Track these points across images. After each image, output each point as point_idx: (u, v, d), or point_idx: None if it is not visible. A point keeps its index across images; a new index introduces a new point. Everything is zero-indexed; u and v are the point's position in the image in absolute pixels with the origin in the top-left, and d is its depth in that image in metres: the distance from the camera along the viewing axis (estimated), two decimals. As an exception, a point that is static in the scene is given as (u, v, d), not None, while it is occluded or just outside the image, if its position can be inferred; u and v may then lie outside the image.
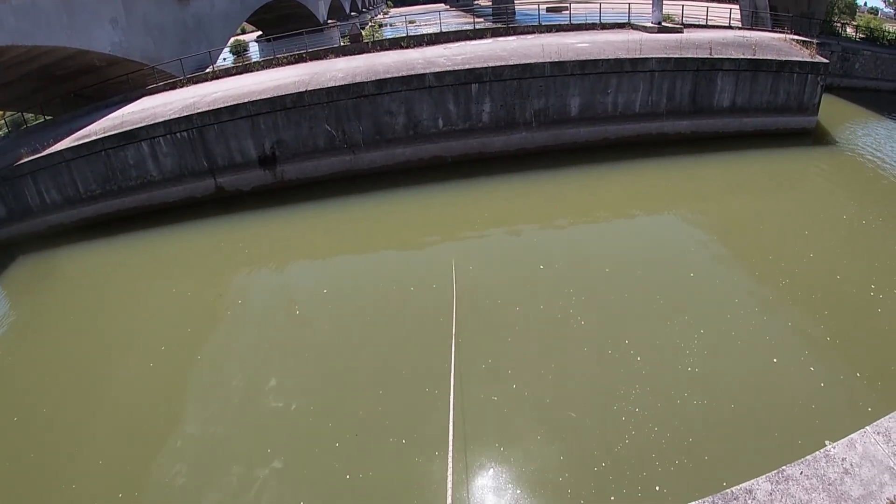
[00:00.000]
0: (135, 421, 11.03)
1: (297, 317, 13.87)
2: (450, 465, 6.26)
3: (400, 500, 8.58)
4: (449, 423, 7.27)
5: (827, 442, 8.45)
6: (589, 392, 10.22)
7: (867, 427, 4.78)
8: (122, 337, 14.36)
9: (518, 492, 8.42)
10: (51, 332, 15.21)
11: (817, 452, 4.56)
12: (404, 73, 20.49)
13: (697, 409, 9.58)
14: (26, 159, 20.52)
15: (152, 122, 20.30)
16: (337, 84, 20.29)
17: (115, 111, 24.50)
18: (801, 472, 4.40)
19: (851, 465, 4.42)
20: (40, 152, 20.68)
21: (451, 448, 6.62)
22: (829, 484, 4.29)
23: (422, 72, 20.49)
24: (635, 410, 9.60)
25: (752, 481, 4.35)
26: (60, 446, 10.73)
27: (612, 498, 8.12)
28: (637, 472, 8.45)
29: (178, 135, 20.31)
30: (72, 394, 12.27)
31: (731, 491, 4.39)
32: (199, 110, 20.32)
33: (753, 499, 4.25)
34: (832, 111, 25.67)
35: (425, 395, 10.43)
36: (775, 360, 10.56)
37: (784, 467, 4.47)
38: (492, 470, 8.82)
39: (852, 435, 4.70)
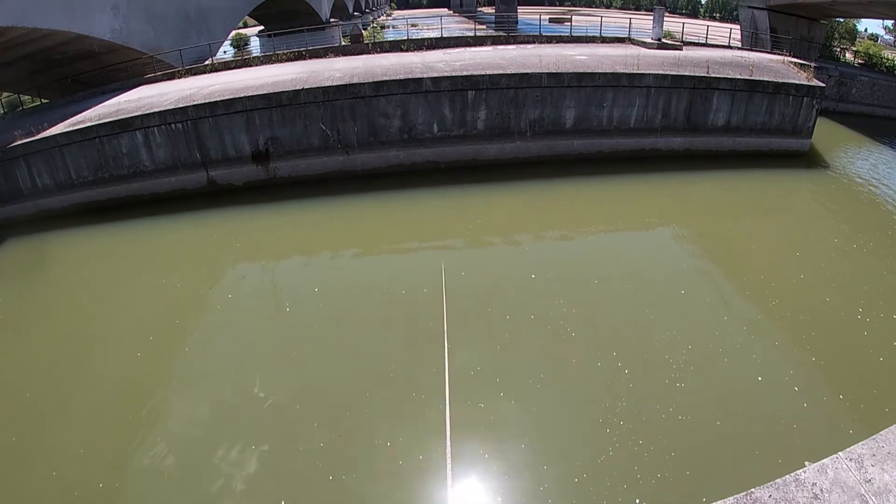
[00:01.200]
0: (118, 412, 10.92)
1: (286, 315, 13.80)
2: (449, 473, 6.23)
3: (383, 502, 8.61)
4: (446, 427, 7.26)
5: (806, 462, 8.46)
6: (575, 403, 10.27)
7: (840, 452, 4.76)
8: (109, 325, 14.22)
9: (499, 499, 8.44)
10: (37, 317, 15.04)
11: (787, 476, 4.53)
12: (402, 77, 20.51)
13: (682, 424, 9.65)
14: (20, 142, 20.37)
15: (147, 112, 20.22)
16: (334, 84, 20.28)
17: (111, 98, 24.39)
18: (770, 496, 4.36)
19: (822, 490, 4.38)
20: (34, 135, 20.55)
21: (448, 453, 6.59)
22: (798, 509, 4.27)
23: (419, 76, 20.51)
24: (620, 423, 9.65)
25: (718, 503, 4.35)
26: (42, 433, 10.63)
27: None
28: (618, 484, 8.51)
29: (172, 126, 20.23)
30: (56, 381, 12.14)
31: None
32: (194, 102, 20.25)
33: None
34: (827, 135, 25.88)
35: (412, 398, 10.43)
36: (760, 379, 10.66)
37: (753, 490, 4.44)
38: (473, 477, 8.85)
39: (824, 460, 4.68)
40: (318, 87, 20.13)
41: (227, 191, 21.04)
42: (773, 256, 15.57)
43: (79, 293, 16.03)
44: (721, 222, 18.30)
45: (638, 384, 10.58)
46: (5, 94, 34.68)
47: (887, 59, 37.85)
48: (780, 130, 22.57)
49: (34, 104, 31.56)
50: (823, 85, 22.78)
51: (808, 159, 22.97)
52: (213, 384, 11.56)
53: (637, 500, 8.24)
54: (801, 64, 25.29)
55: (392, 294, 14.03)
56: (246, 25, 64.65)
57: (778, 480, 4.52)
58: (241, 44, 44.20)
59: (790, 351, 11.58)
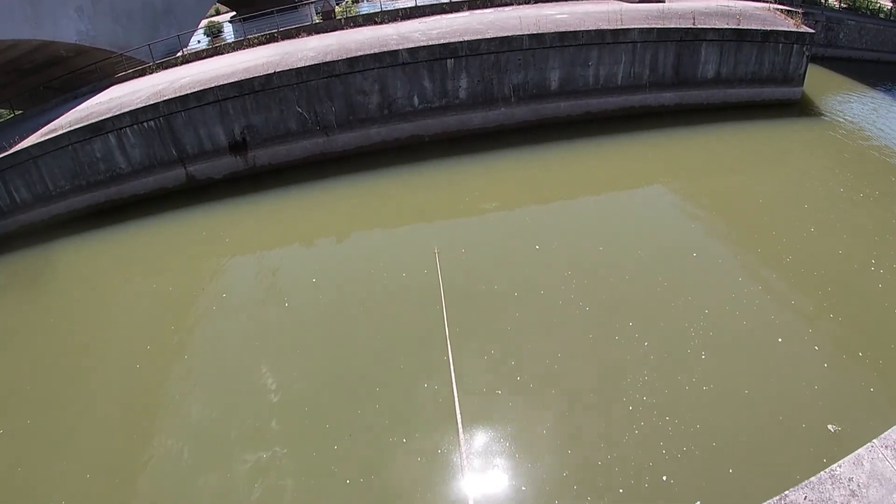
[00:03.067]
0: (118, 427, 10.59)
1: (285, 310, 13.29)
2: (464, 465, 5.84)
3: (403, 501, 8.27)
4: (457, 420, 6.89)
5: (829, 426, 8.16)
6: (596, 381, 9.87)
7: (874, 440, 4.40)
8: (103, 338, 13.80)
9: (523, 489, 8.08)
10: (29, 334, 14.69)
11: (822, 473, 4.22)
12: (377, 50, 19.78)
13: (706, 394, 9.31)
14: (-7, 159, 19.89)
15: (118, 113, 19.63)
16: (307, 64, 19.58)
17: (82, 102, 23.90)
18: (805, 497, 4.05)
19: (859, 485, 4.06)
20: (7, 150, 20.06)
21: (462, 447, 6.21)
22: (836, 508, 3.91)
23: (395, 48, 19.79)
24: (643, 399, 9.28)
25: None
26: (41, 455, 10.35)
27: (621, 490, 7.87)
28: (644, 462, 8.20)
29: (144, 124, 19.63)
30: (53, 398, 11.83)
31: None
32: (165, 97, 19.61)
33: None
34: (817, 81, 25.22)
35: (423, 390, 9.98)
36: (780, 340, 10.33)
37: (787, 492, 4.13)
38: (496, 467, 8.49)
39: (859, 450, 4.33)
40: (290, 69, 19.43)
41: (208, 185, 20.47)
42: (781, 210, 15.00)
43: (71, 306, 15.62)
44: (723, 177, 17.66)
45: (658, 355, 10.18)
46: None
47: (871, 2, 37.11)
48: (771, 79, 21.92)
49: (10, 117, 30.99)
50: (813, 31, 22.10)
51: (801, 107, 22.38)
52: (217, 389, 11.20)
53: (664, 478, 7.93)
54: (788, 10, 24.60)
55: (391, 280, 13.47)
56: (218, 13, 63.60)
57: (813, 479, 4.22)
58: (214, 31, 43.27)
59: (807, 309, 11.21)
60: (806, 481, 4.12)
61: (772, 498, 4.05)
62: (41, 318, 15.26)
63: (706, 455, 8.20)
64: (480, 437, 8.98)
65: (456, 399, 7.49)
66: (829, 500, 3.94)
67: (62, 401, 11.76)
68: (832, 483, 4.07)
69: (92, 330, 14.21)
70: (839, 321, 10.71)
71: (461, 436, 6.42)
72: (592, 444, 8.61)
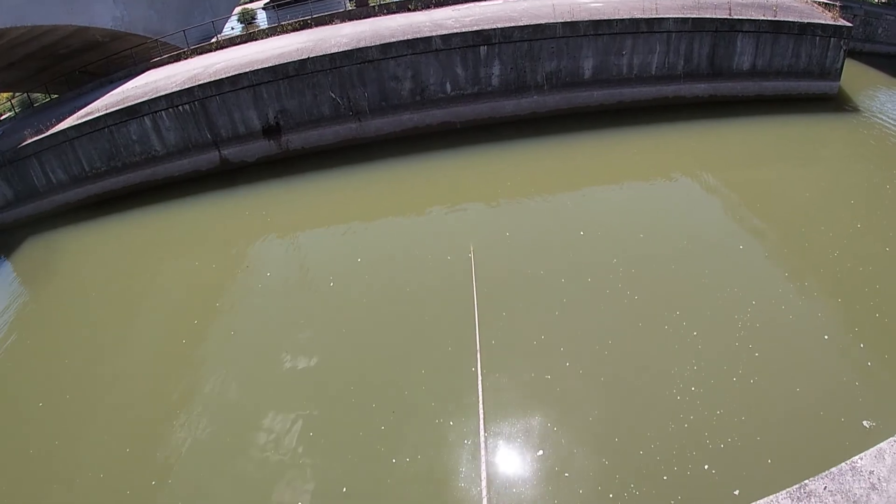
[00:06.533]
0: (161, 399, 10.80)
1: (329, 289, 13.37)
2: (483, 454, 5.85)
3: (436, 485, 8.34)
4: (479, 406, 6.93)
5: (864, 422, 8.16)
6: (645, 369, 9.83)
7: None
8: (150, 313, 14.11)
9: (566, 475, 8.13)
10: (74, 310, 15.04)
11: (843, 464, 4.18)
12: (410, 37, 19.82)
13: (752, 387, 9.27)
14: (30, 140, 20.53)
15: (154, 97, 20.05)
16: (340, 50, 19.70)
17: (118, 87, 24.36)
18: (825, 487, 4.01)
19: (879, 479, 3.98)
20: (44, 133, 20.66)
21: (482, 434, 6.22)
22: (854, 501, 3.90)
23: (428, 35, 19.79)
24: (690, 389, 9.24)
25: (771, 497, 4.06)
26: (80, 430, 10.58)
27: (665, 477, 7.91)
28: (688, 451, 8.23)
29: (180, 108, 20.00)
30: (94, 376, 12.08)
31: None
32: (200, 82, 19.92)
33: None
34: (854, 77, 24.62)
35: (471, 374, 9.88)
36: (826, 337, 10.22)
37: (806, 482, 4.11)
38: (539, 451, 8.52)
39: (881, 444, 4.27)
40: (324, 55, 19.57)
41: (241, 168, 20.77)
42: (826, 205, 14.66)
43: (112, 284, 15.93)
44: (763, 170, 17.27)
45: (706, 346, 10.12)
46: (17, 95, 34.84)
47: (913, -3, 36.18)
48: (807, 73, 21.45)
49: (46, 101, 31.65)
50: (851, 25, 21.58)
51: (838, 103, 21.81)
52: (263, 364, 11.34)
53: (706, 466, 7.99)
54: (826, 3, 24.11)
55: (434, 264, 13.46)
56: (252, -1, 64.06)
57: (833, 469, 4.20)
58: (248, 18, 43.88)
59: (854, 306, 10.95)
60: (826, 472, 4.09)
61: (792, 486, 4.06)
62: (84, 297, 15.58)
63: (748, 446, 8.21)
64: (526, 420, 9.03)
65: (480, 382, 7.50)
66: (849, 491, 3.91)
67: (104, 373, 12.04)
68: (852, 475, 4.03)
69: (137, 305, 14.48)
70: (885, 321, 10.48)
71: (481, 422, 6.45)
72: (638, 432, 8.63)
